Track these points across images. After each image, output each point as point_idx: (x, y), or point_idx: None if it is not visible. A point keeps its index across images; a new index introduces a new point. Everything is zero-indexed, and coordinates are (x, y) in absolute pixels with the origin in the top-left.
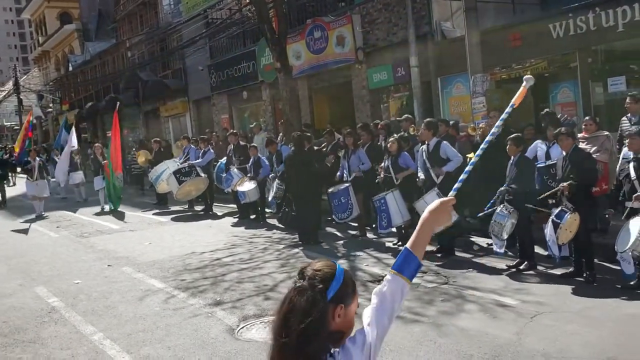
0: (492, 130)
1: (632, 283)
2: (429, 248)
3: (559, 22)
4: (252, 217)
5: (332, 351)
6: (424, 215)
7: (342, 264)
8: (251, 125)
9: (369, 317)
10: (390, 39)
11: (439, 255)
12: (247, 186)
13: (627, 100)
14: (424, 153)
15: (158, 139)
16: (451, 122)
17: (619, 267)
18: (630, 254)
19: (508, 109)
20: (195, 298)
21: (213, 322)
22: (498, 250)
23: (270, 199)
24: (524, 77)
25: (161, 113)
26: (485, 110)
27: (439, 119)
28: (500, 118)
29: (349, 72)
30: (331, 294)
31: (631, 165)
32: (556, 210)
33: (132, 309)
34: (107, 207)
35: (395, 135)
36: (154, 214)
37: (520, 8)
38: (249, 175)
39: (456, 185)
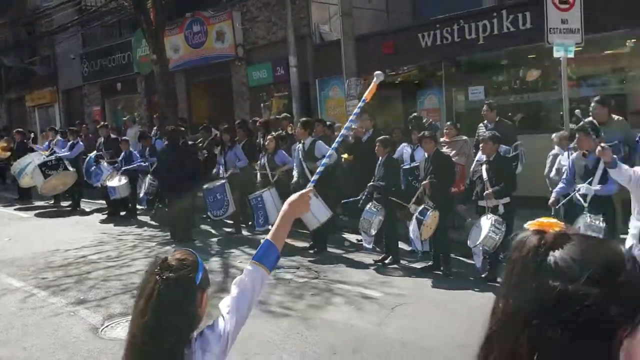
0: (346, 124)
1: (483, 275)
2: (303, 245)
3: (427, 32)
4: (123, 213)
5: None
6: (283, 207)
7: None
8: (124, 118)
9: (228, 305)
10: (270, 37)
11: (312, 251)
12: (118, 181)
13: (484, 108)
14: (300, 152)
15: (21, 130)
16: (328, 123)
17: (473, 261)
18: (480, 248)
19: (360, 104)
20: (57, 297)
21: (75, 321)
22: (367, 245)
23: (141, 195)
24: (375, 73)
25: (27, 102)
26: None
27: (316, 119)
28: (354, 112)
29: (229, 68)
30: (198, 281)
31: (483, 167)
32: (419, 208)
33: None
34: None
35: (273, 133)
36: (15, 209)
37: (395, 16)
38: (116, 166)
39: (314, 177)
